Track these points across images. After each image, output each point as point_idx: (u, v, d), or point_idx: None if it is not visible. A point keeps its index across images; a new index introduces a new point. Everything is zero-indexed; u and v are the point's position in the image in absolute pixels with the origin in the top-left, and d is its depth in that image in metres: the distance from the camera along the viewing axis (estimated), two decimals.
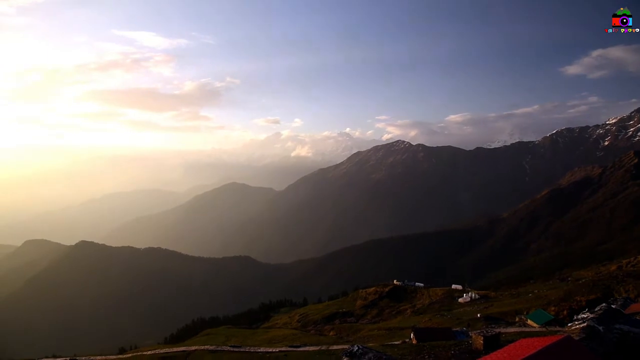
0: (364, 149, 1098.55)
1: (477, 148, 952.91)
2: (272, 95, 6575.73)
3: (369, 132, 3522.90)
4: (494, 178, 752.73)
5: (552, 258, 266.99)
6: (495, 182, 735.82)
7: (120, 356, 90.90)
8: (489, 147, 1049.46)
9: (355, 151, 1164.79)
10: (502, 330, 70.02)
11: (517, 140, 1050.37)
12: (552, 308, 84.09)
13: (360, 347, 56.20)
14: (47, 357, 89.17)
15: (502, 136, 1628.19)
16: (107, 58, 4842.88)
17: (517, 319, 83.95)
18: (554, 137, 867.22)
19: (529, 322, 78.80)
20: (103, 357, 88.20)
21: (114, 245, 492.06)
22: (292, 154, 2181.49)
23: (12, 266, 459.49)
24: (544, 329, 71.19)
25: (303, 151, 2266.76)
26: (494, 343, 51.45)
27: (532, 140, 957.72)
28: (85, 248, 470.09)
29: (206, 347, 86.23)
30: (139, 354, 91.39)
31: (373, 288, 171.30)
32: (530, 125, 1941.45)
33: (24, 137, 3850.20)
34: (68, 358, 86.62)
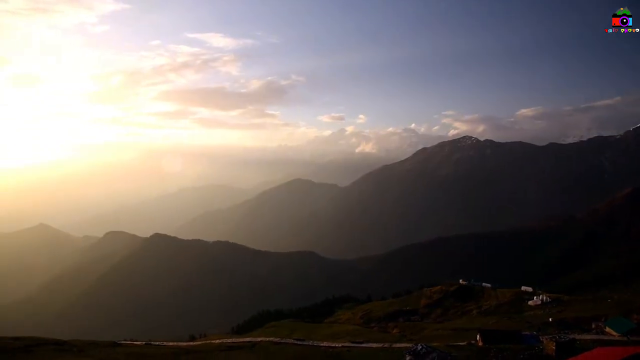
0: (430, 145, 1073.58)
1: (550, 143, 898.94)
2: (336, 91, 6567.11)
3: (435, 127, 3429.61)
4: (568, 176, 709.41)
5: (635, 262, 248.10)
6: (570, 180, 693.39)
7: (191, 343, 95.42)
8: (563, 142, 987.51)
9: (420, 147, 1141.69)
10: (577, 336, 66.56)
11: (596, 135, 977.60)
12: (635, 316, 78.81)
13: (424, 346, 55.71)
14: (125, 340, 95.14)
15: (579, 131, 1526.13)
16: (179, 60, 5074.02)
17: (593, 326, 79.53)
18: (639, 130, 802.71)
19: (608, 329, 74.32)
20: (174, 343, 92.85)
21: (185, 238, 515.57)
22: (357, 150, 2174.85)
23: (95, 255, 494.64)
24: (624, 338, 66.92)
25: (367, 147, 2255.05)
26: (567, 350, 49.16)
27: (612, 134, 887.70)
28: (159, 240, 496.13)
29: (271, 339, 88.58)
30: (207, 342, 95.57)
31: (438, 287, 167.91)
32: (610, 118, 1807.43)
33: (105, 136, 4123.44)
34: (143, 342, 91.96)
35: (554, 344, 50.55)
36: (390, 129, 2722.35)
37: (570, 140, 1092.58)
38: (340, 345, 77.64)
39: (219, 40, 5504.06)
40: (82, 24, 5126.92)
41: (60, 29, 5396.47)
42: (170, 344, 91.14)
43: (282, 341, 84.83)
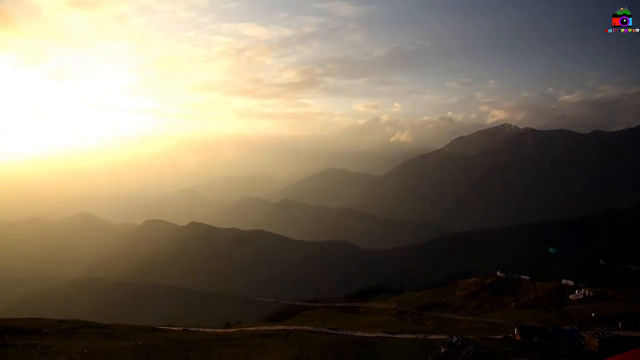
0: (467, 134, 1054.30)
1: (595, 131, 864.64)
2: (370, 80, 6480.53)
3: (472, 116, 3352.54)
4: (614, 165, 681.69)
5: None
6: (616, 169, 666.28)
7: (227, 330, 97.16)
8: (609, 130, 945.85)
9: (457, 136, 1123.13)
10: (622, 333, 64.04)
11: None
12: None
13: (460, 338, 54.57)
14: (163, 326, 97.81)
15: (626, 117, 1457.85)
16: (214, 50, 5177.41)
17: None
18: None
19: None
20: (210, 329, 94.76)
21: (220, 227, 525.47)
22: (392, 139, 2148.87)
23: (135, 243, 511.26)
24: None
25: (402, 136, 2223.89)
26: (611, 346, 47.07)
27: None
28: (195, 229, 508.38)
29: (305, 327, 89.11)
30: (242, 329, 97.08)
31: (474, 279, 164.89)
32: None
33: (144, 126, 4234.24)
34: (181, 328, 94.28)
35: (597, 340, 48.54)
36: (426, 118, 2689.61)
37: (617, 127, 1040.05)
38: (374, 335, 77.36)
39: (252, 28, 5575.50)
40: (121, 17, 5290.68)
41: (100, 22, 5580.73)
42: (207, 330, 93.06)
43: (316, 330, 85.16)
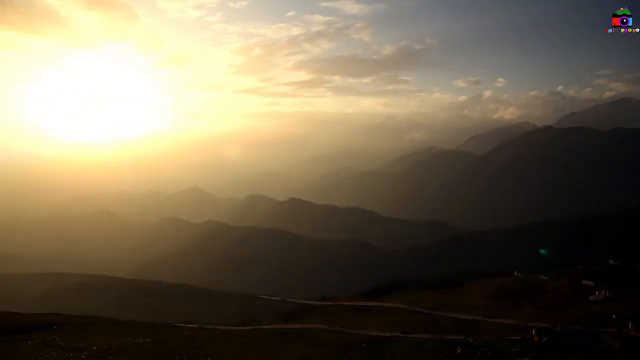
0: (483, 132, 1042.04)
1: (616, 128, 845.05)
2: (378, 79, 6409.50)
3: (488, 113, 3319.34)
4: (635, 164, 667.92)
5: None
6: (634, 167, 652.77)
7: (241, 328, 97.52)
8: (632, 127, 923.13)
9: (473, 134, 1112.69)
10: (632, 333, 62.91)
11: None
12: None
13: (476, 339, 53.93)
14: (179, 323, 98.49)
15: None
16: (223, 49, 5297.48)
17: None
18: None
19: None
20: (226, 327, 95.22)
21: (234, 225, 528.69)
22: (407, 137, 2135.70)
23: (152, 241, 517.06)
24: None
25: (419, 135, 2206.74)
26: (633, 348, 46.07)
27: None
28: (211, 227, 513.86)
29: (319, 326, 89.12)
30: (257, 327, 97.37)
31: (490, 278, 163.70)
32: None
33: (152, 126, 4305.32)
34: (197, 326, 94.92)
35: (619, 341, 47.56)
36: (442, 116, 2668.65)
37: (638, 125, 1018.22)
38: (389, 335, 77.07)
39: (261, 29, 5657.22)
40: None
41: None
42: (222, 328, 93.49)
43: (330, 329, 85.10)
